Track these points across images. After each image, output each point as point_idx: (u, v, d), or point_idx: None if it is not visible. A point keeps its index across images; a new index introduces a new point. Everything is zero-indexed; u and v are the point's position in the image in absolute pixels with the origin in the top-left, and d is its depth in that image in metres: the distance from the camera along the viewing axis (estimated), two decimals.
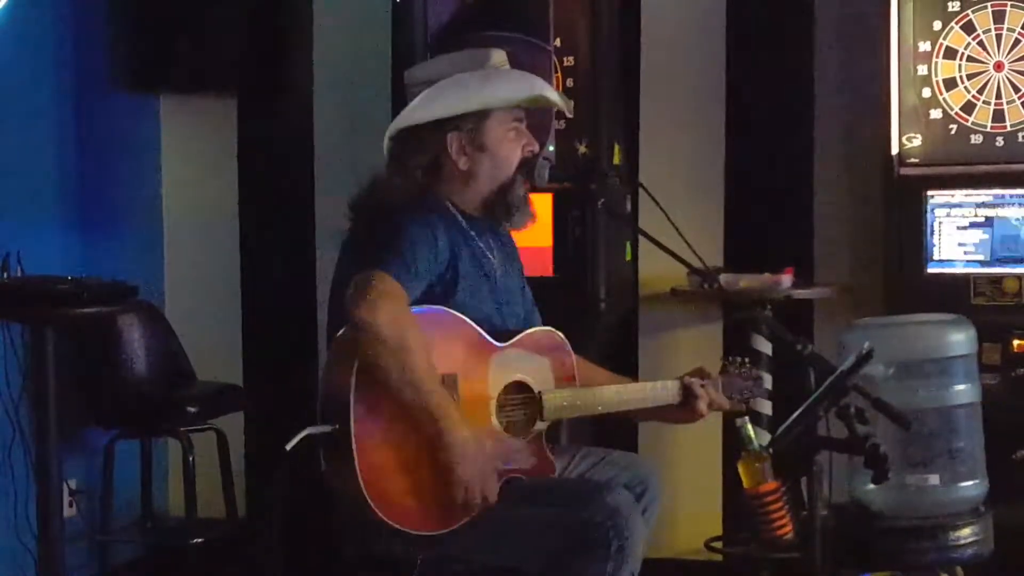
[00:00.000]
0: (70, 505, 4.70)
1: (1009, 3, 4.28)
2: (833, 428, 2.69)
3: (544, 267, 4.47)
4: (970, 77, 4.32)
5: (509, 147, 3.09)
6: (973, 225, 4.30)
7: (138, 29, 5.01)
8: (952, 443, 3.63)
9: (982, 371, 3.86)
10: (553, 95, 3.17)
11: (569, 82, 4.56)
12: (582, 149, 4.52)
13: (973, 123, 4.31)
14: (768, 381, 4.25)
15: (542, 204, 4.36)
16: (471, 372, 2.93)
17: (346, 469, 2.75)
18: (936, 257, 4.32)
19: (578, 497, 2.92)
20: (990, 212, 4.29)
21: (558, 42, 4.48)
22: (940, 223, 4.32)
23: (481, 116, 3.06)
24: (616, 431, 4.29)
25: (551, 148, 4.39)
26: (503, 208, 3.10)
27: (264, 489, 4.94)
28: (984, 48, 4.30)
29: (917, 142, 4.36)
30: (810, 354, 2.91)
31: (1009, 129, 4.29)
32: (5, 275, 4.20)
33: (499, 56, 3.20)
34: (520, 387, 3.01)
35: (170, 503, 5.25)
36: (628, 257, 4.81)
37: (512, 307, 3.13)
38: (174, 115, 5.35)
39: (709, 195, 4.91)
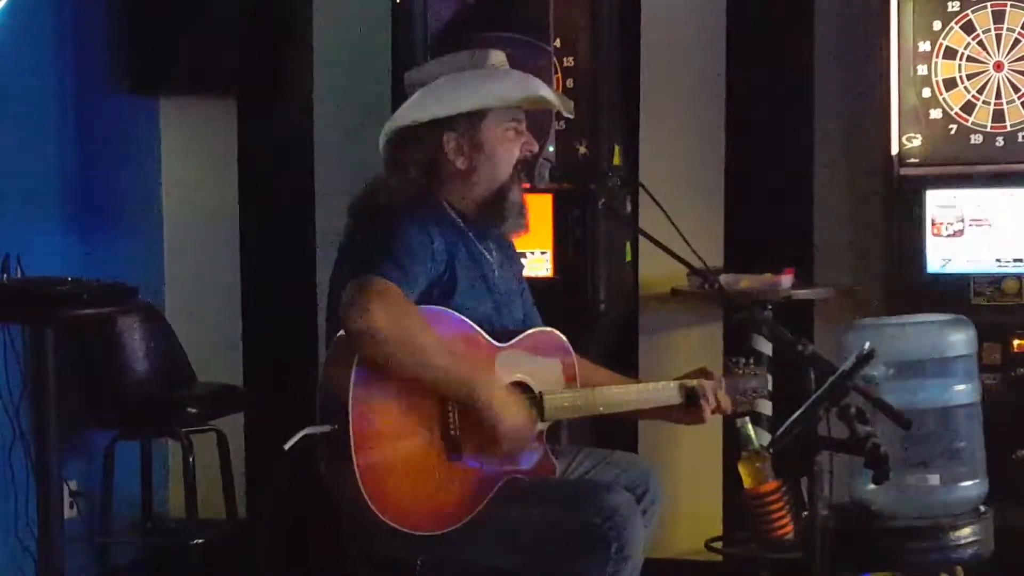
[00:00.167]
0: (70, 506, 4.70)
1: (1009, 3, 4.28)
2: (833, 428, 2.69)
3: (544, 268, 4.48)
4: (970, 77, 4.32)
5: (507, 147, 3.08)
6: (973, 225, 4.30)
7: (138, 31, 5.01)
8: (952, 443, 3.64)
9: (982, 371, 3.87)
10: (550, 95, 3.16)
11: (569, 83, 4.56)
12: (582, 150, 4.52)
13: (973, 123, 4.32)
14: (768, 381, 4.24)
15: (542, 205, 4.38)
16: (475, 365, 2.93)
17: (344, 469, 2.75)
18: (936, 257, 4.32)
19: (578, 498, 2.91)
20: (990, 212, 4.29)
21: (558, 43, 4.48)
22: (940, 223, 4.32)
23: (478, 116, 3.05)
24: (616, 431, 4.29)
25: (551, 149, 4.39)
26: (499, 210, 3.09)
27: (264, 489, 4.94)
28: (984, 48, 4.30)
29: (917, 142, 4.36)
30: (810, 354, 2.91)
31: (1009, 129, 4.29)
32: (5, 276, 4.20)
33: (498, 57, 3.20)
34: (521, 387, 3.01)
35: (170, 504, 5.24)
36: (628, 257, 4.81)
37: (511, 308, 3.13)
38: (174, 116, 5.35)
39: (709, 195, 4.91)
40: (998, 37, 4.29)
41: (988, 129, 4.31)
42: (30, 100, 4.76)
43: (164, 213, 5.36)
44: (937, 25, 4.33)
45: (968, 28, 4.31)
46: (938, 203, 4.33)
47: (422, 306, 2.89)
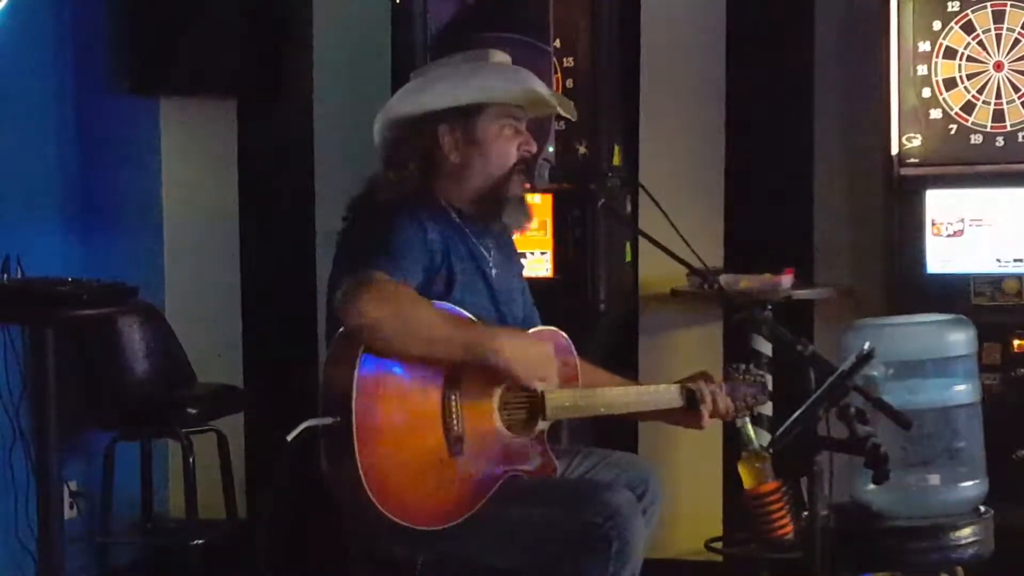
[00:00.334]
0: (70, 507, 4.70)
1: (1009, 3, 4.28)
2: (833, 428, 2.69)
3: (544, 268, 4.48)
4: (970, 77, 4.32)
5: (503, 144, 3.08)
6: (973, 225, 4.30)
7: (138, 31, 5.01)
8: (952, 443, 3.64)
9: (982, 371, 3.87)
10: (547, 92, 3.15)
11: (569, 83, 4.56)
12: (582, 150, 4.52)
13: (973, 123, 4.32)
14: (769, 381, 4.24)
15: (542, 205, 4.38)
16: (473, 370, 2.93)
17: (347, 463, 2.75)
18: (936, 257, 4.32)
19: (579, 497, 2.91)
20: (990, 212, 4.29)
21: (558, 43, 4.48)
22: (940, 223, 4.32)
23: (474, 111, 3.05)
24: (616, 432, 4.29)
25: (551, 149, 4.39)
26: (495, 206, 3.09)
27: (264, 488, 4.94)
28: (984, 48, 4.30)
29: (917, 142, 4.36)
30: (810, 354, 2.91)
31: (1009, 129, 4.29)
32: (5, 277, 4.20)
33: (500, 56, 3.20)
34: (522, 386, 3.01)
35: (170, 504, 5.24)
36: (628, 258, 4.81)
37: (511, 307, 3.13)
38: (174, 117, 5.35)
39: (709, 196, 4.91)
40: (998, 37, 4.29)
41: (988, 129, 4.31)
42: (30, 101, 4.76)
43: (164, 213, 5.36)
44: (937, 25, 4.33)
45: (968, 28, 4.31)
46: (938, 203, 4.33)
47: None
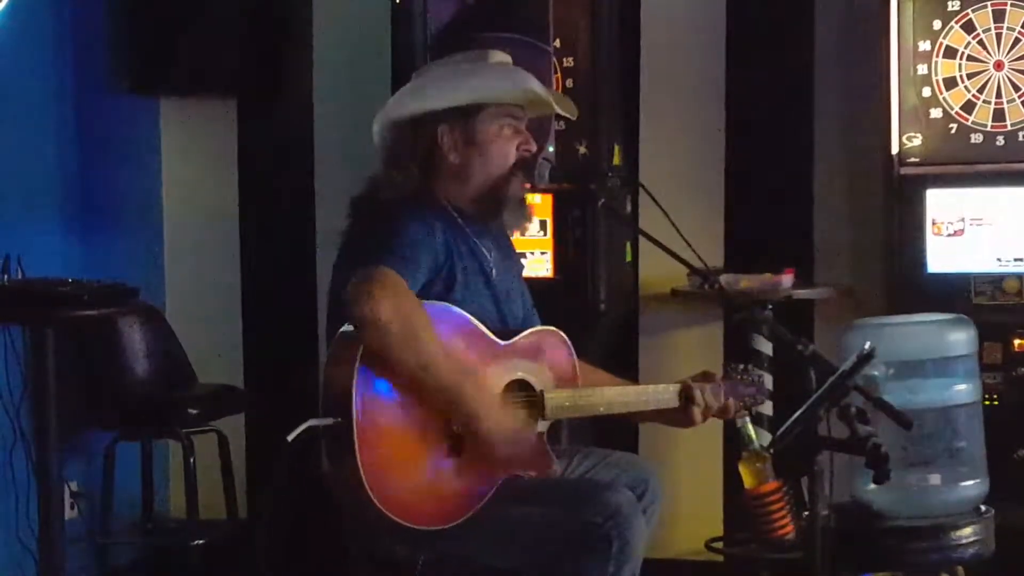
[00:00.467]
0: (71, 507, 4.70)
1: (1009, 2, 4.28)
2: (834, 428, 2.69)
3: (544, 268, 4.48)
4: (970, 76, 4.32)
5: (502, 144, 3.08)
6: (974, 224, 4.30)
7: (138, 31, 5.01)
8: (953, 443, 3.64)
9: (983, 371, 3.87)
10: (545, 92, 3.15)
11: (569, 83, 4.56)
12: (582, 150, 4.52)
13: (973, 122, 4.31)
14: (769, 381, 4.25)
15: (542, 205, 4.38)
16: (473, 369, 2.93)
17: (348, 462, 2.75)
18: (936, 257, 4.31)
19: (580, 497, 2.91)
20: (990, 211, 4.29)
21: (558, 43, 4.48)
22: (940, 222, 4.32)
23: (473, 111, 3.05)
24: (616, 432, 4.29)
25: (551, 149, 4.39)
26: (495, 206, 3.09)
27: (264, 488, 4.94)
28: (984, 47, 4.30)
29: (917, 141, 4.36)
30: (811, 354, 2.90)
31: (1009, 128, 4.29)
32: (5, 277, 4.20)
33: (500, 56, 3.20)
34: (522, 385, 3.01)
35: (171, 505, 5.24)
36: (628, 258, 4.81)
37: (511, 307, 3.13)
38: (174, 117, 5.35)
39: (709, 195, 4.91)
40: (998, 36, 4.29)
41: (988, 128, 4.31)
42: (30, 101, 4.76)
43: (164, 214, 5.36)
44: (937, 24, 4.33)
45: (968, 27, 4.31)
46: (938, 202, 4.33)
47: (427, 302, 2.89)
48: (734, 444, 3.18)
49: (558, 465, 3.06)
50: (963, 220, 4.30)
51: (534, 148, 3.12)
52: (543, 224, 4.45)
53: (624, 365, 4.15)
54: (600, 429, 4.15)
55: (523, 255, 3.96)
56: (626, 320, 4.93)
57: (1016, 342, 4.23)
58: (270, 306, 5.31)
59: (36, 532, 4.28)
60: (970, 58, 4.31)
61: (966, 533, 3.55)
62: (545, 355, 3.07)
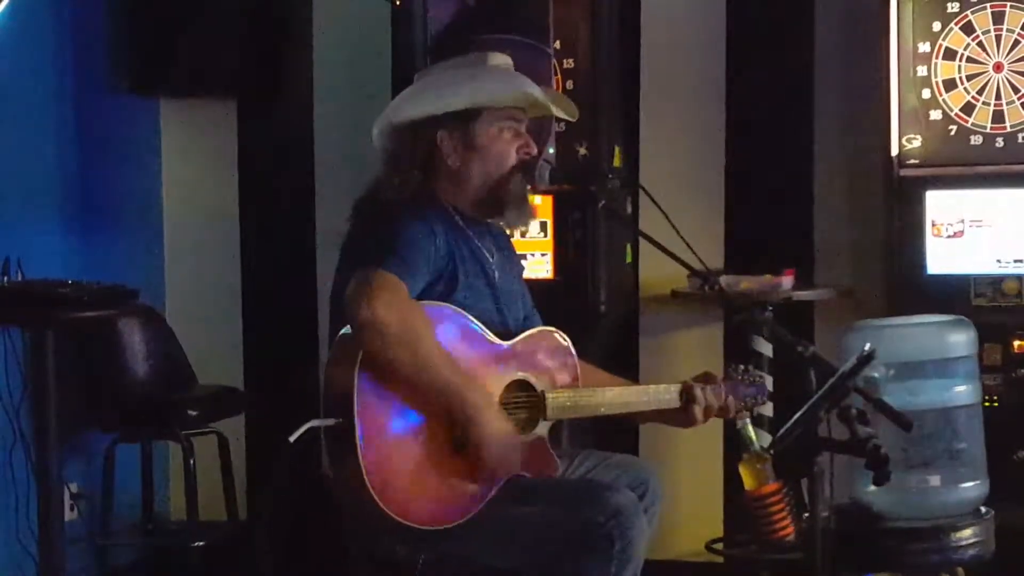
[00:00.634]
0: (71, 508, 4.70)
1: (1008, 4, 4.28)
2: (834, 429, 2.69)
3: (544, 269, 4.48)
4: (970, 78, 4.32)
5: (502, 147, 3.08)
6: (973, 226, 4.30)
7: (138, 32, 5.01)
8: (953, 444, 3.64)
9: (983, 372, 3.87)
10: (542, 96, 3.15)
11: (569, 84, 4.56)
12: (582, 151, 4.52)
13: (973, 124, 4.32)
14: (769, 383, 4.24)
15: (543, 206, 4.38)
16: (474, 370, 2.93)
17: (350, 462, 2.75)
18: (936, 258, 4.31)
19: (581, 497, 2.92)
20: (990, 213, 4.29)
21: (558, 44, 4.48)
22: (940, 224, 4.32)
23: (472, 115, 3.06)
24: (617, 433, 4.29)
25: (551, 150, 4.39)
26: (495, 206, 3.10)
27: (264, 489, 4.94)
28: (983, 49, 4.30)
29: (917, 143, 4.36)
30: (811, 355, 2.91)
31: (1009, 130, 4.29)
32: (5, 279, 4.20)
33: (500, 59, 3.20)
34: (523, 386, 3.01)
35: (171, 506, 5.24)
36: (628, 259, 4.81)
37: (512, 308, 3.13)
38: (174, 118, 5.35)
39: (709, 197, 4.91)
40: (998, 38, 4.29)
41: (988, 130, 4.31)
42: (30, 102, 4.76)
43: (164, 215, 5.36)
44: (937, 26, 4.33)
45: (968, 29, 4.31)
46: (938, 204, 4.33)
47: (428, 302, 2.90)
48: (734, 445, 3.18)
49: (559, 465, 3.07)
50: (963, 221, 4.30)
51: (534, 151, 3.13)
52: (543, 225, 4.45)
53: (624, 366, 4.14)
54: (600, 431, 4.16)
55: (523, 256, 3.96)
56: (626, 321, 4.93)
57: (1016, 343, 4.22)
58: (270, 307, 5.30)
59: (36, 533, 4.28)
60: (970, 60, 4.31)
61: (966, 534, 3.56)
62: (546, 356, 3.08)
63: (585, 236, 4.44)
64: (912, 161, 4.36)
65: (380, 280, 2.78)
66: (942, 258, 4.31)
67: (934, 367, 3.66)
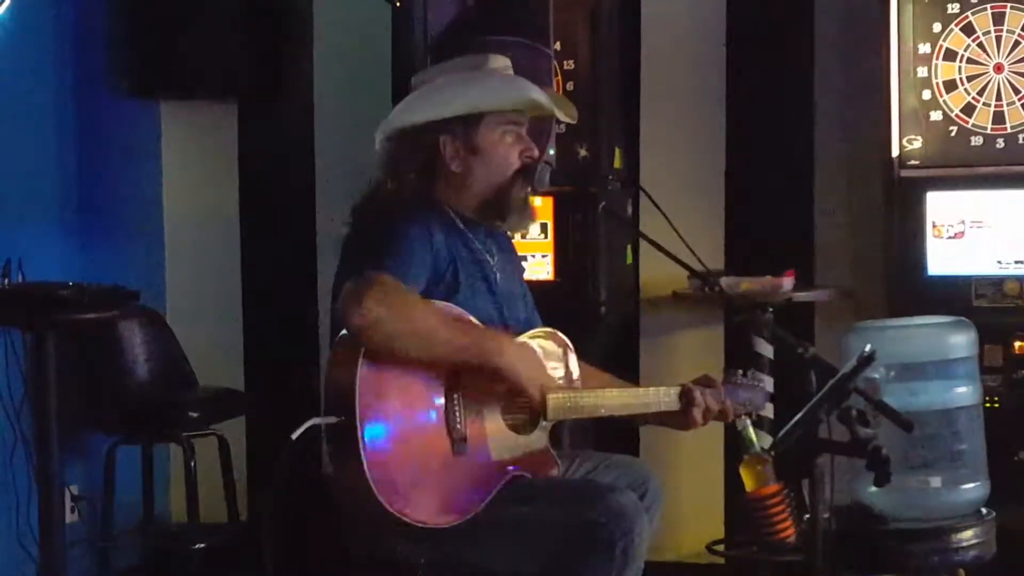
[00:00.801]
0: (72, 511, 4.70)
1: (1008, 5, 4.28)
2: (835, 431, 2.69)
3: (545, 271, 4.48)
4: (970, 79, 4.32)
5: (504, 151, 3.09)
6: (974, 227, 4.30)
7: (138, 34, 5.01)
8: (954, 445, 3.64)
9: (984, 373, 3.87)
10: (544, 99, 3.15)
11: (569, 86, 4.56)
12: (583, 153, 4.52)
13: (973, 125, 4.32)
14: (770, 384, 4.25)
15: (543, 208, 4.38)
16: (475, 371, 2.93)
17: (351, 462, 2.75)
18: (937, 259, 4.31)
19: (583, 498, 2.92)
20: (990, 214, 4.29)
21: (558, 46, 4.48)
22: (941, 225, 4.32)
23: (474, 119, 3.06)
24: (617, 435, 4.29)
25: (552, 152, 4.39)
26: (498, 210, 3.10)
27: (264, 489, 4.94)
28: (984, 50, 4.30)
29: (917, 144, 4.36)
30: (811, 357, 2.91)
31: (1009, 131, 4.29)
32: (6, 281, 4.20)
33: (500, 61, 3.20)
34: (520, 389, 3.01)
35: (172, 508, 5.25)
36: (629, 260, 4.81)
37: (513, 310, 3.13)
38: (175, 120, 5.35)
39: (710, 198, 4.91)
40: (998, 39, 4.29)
41: (988, 131, 4.31)
42: (31, 104, 4.76)
43: (165, 216, 5.36)
44: (937, 27, 4.33)
45: (968, 30, 4.31)
46: (939, 205, 4.32)
47: (431, 301, 2.89)
48: (735, 447, 3.18)
49: (560, 466, 3.07)
50: (963, 222, 4.30)
51: (536, 154, 3.13)
52: (544, 227, 4.45)
53: (625, 368, 4.14)
54: (601, 432, 4.16)
55: (524, 258, 3.96)
56: (627, 323, 4.93)
57: (1017, 344, 4.22)
58: (271, 308, 5.31)
59: (37, 536, 4.28)
60: (970, 61, 4.31)
61: (967, 536, 3.55)
62: (547, 357, 3.08)
63: (585, 237, 4.44)
64: (912, 162, 4.36)
65: (371, 282, 2.78)
66: (943, 259, 4.31)
67: (935, 368, 3.66)
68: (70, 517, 4.62)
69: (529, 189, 3.12)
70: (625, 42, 4.83)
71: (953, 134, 4.33)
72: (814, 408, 2.69)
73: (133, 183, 5.25)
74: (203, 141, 5.37)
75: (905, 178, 4.35)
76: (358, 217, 3.09)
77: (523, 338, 3.05)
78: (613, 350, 4.59)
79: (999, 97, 4.29)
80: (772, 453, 2.97)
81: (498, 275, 3.11)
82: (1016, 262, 4.27)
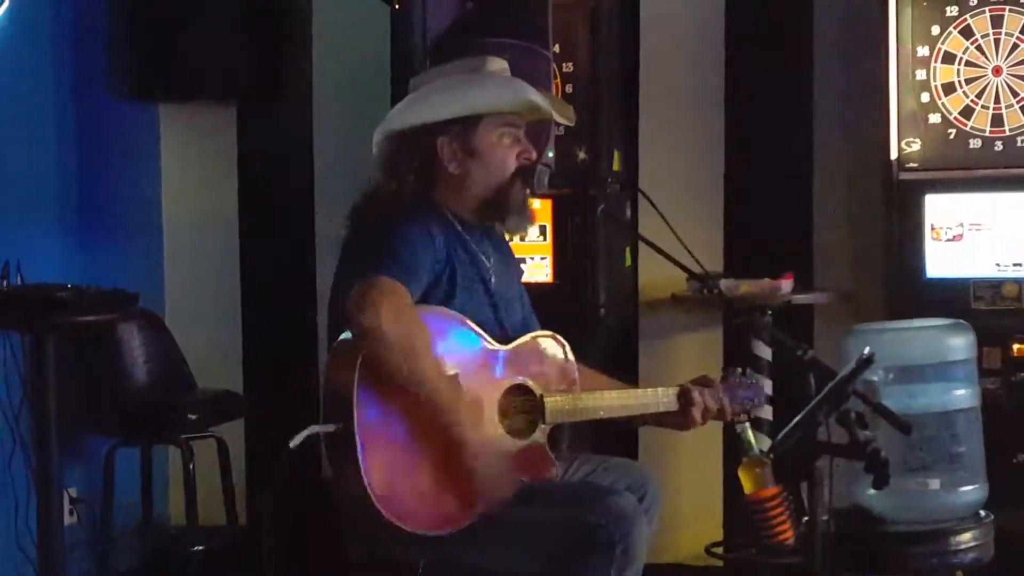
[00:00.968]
0: (70, 513, 4.70)
1: (1007, 7, 4.28)
2: (834, 433, 2.69)
3: (544, 273, 4.48)
4: (969, 82, 4.32)
5: (502, 153, 3.09)
6: (972, 229, 4.30)
7: (137, 35, 5.01)
8: (952, 448, 3.64)
9: (982, 375, 3.87)
10: (543, 102, 3.15)
11: (568, 88, 4.57)
12: (581, 155, 4.52)
13: (972, 127, 4.31)
14: (768, 386, 4.25)
15: (542, 210, 4.38)
16: (473, 374, 2.93)
17: (350, 468, 2.75)
18: (935, 262, 4.31)
19: (583, 500, 2.92)
20: (989, 216, 4.29)
21: (557, 48, 4.48)
22: (939, 228, 4.32)
23: (471, 121, 3.06)
24: (616, 437, 4.29)
25: (551, 154, 4.39)
26: (497, 212, 3.10)
27: (263, 490, 4.94)
28: (982, 52, 4.30)
29: (916, 147, 4.36)
30: (810, 359, 2.91)
31: (1008, 133, 4.29)
32: (5, 283, 4.20)
33: (498, 64, 3.20)
34: (521, 390, 3.01)
35: (171, 511, 5.24)
36: (628, 263, 4.81)
37: (510, 312, 3.14)
38: (173, 122, 5.35)
39: (709, 200, 4.91)
40: (996, 41, 4.29)
41: (987, 133, 4.31)
42: (30, 105, 4.76)
43: (164, 218, 5.36)
44: (935, 30, 4.33)
45: (966, 33, 4.31)
46: (937, 207, 4.32)
47: (426, 307, 2.90)
48: (734, 449, 3.18)
49: (558, 468, 3.07)
50: (962, 225, 4.30)
51: (534, 156, 3.13)
52: (543, 229, 4.45)
53: (624, 370, 4.14)
54: (600, 434, 4.15)
55: (523, 260, 3.96)
56: (626, 325, 4.93)
57: (1015, 347, 4.22)
58: (270, 311, 5.31)
59: (35, 538, 4.27)
60: (968, 63, 4.31)
61: (966, 538, 3.56)
62: (544, 360, 3.08)
63: (584, 240, 4.44)
64: (911, 165, 4.36)
65: (383, 286, 2.78)
66: (941, 262, 4.31)
67: (933, 371, 3.66)
68: (69, 519, 4.62)
69: (528, 191, 3.12)
70: (624, 43, 4.83)
71: (952, 137, 4.33)
72: (813, 410, 2.68)
73: (132, 185, 5.25)
74: (202, 143, 5.37)
75: (904, 181, 4.34)
76: (358, 218, 3.10)
77: (522, 340, 3.06)
78: (612, 353, 4.59)
79: (998, 100, 4.29)
80: (771, 455, 2.97)
81: (495, 278, 3.11)
82: (1014, 264, 4.26)
